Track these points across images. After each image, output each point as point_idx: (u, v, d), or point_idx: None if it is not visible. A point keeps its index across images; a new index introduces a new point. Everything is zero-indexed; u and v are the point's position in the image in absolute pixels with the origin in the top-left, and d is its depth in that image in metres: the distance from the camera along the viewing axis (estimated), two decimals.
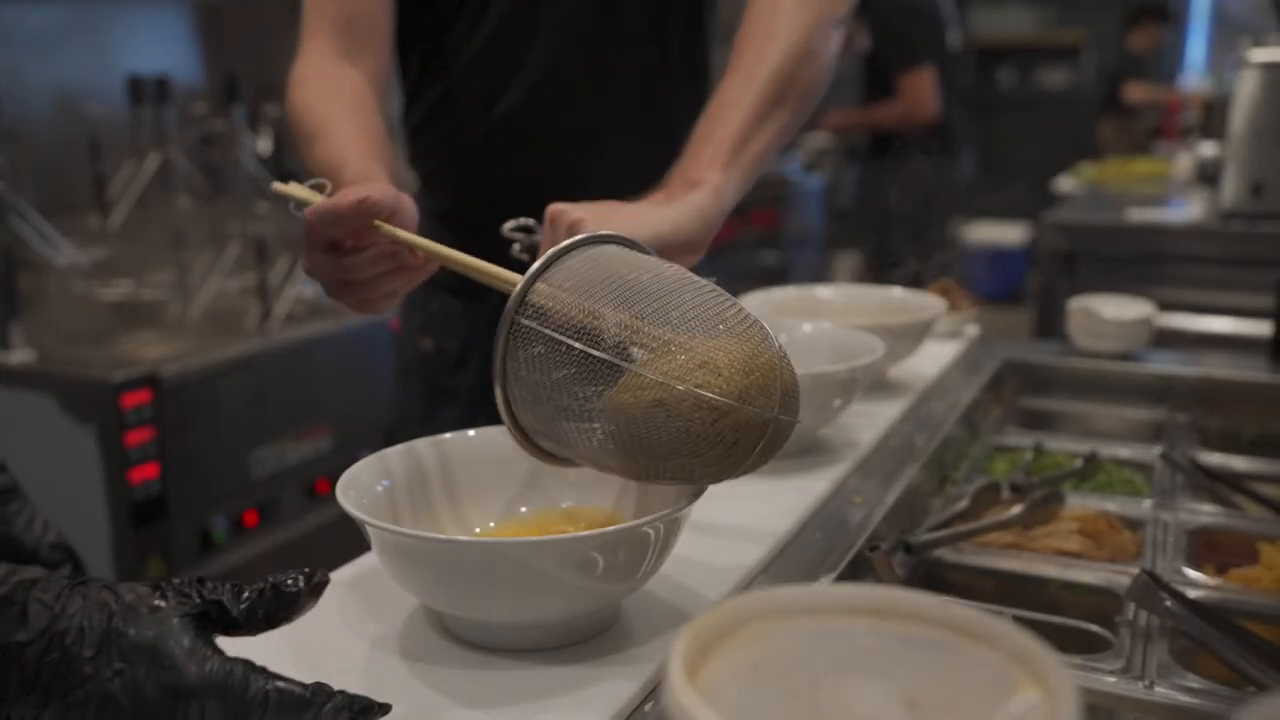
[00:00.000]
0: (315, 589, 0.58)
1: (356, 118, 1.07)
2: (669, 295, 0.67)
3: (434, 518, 0.79)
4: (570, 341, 0.66)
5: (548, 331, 0.67)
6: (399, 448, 0.80)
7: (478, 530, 0.80)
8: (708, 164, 0.91)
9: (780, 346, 0.69)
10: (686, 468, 0.65)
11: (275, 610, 0.57)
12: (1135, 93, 5.14)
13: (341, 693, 0.55)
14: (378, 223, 0.83)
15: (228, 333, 2.13)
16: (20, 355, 1.91)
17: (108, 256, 2.23)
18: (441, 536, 0.72)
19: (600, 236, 0.74)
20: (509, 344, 0.69)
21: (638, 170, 1.02)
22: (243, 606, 0.56)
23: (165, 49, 2.56)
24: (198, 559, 1.89)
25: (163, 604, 0.54)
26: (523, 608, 0.68)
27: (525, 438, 0.73)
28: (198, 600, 0.55)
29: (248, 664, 0.54)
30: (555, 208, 0.85)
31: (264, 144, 2.43)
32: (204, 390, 1.91)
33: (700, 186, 0.89)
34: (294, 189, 0.92)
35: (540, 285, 0.69)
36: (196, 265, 2.27)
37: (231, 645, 0.72)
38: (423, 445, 0.82)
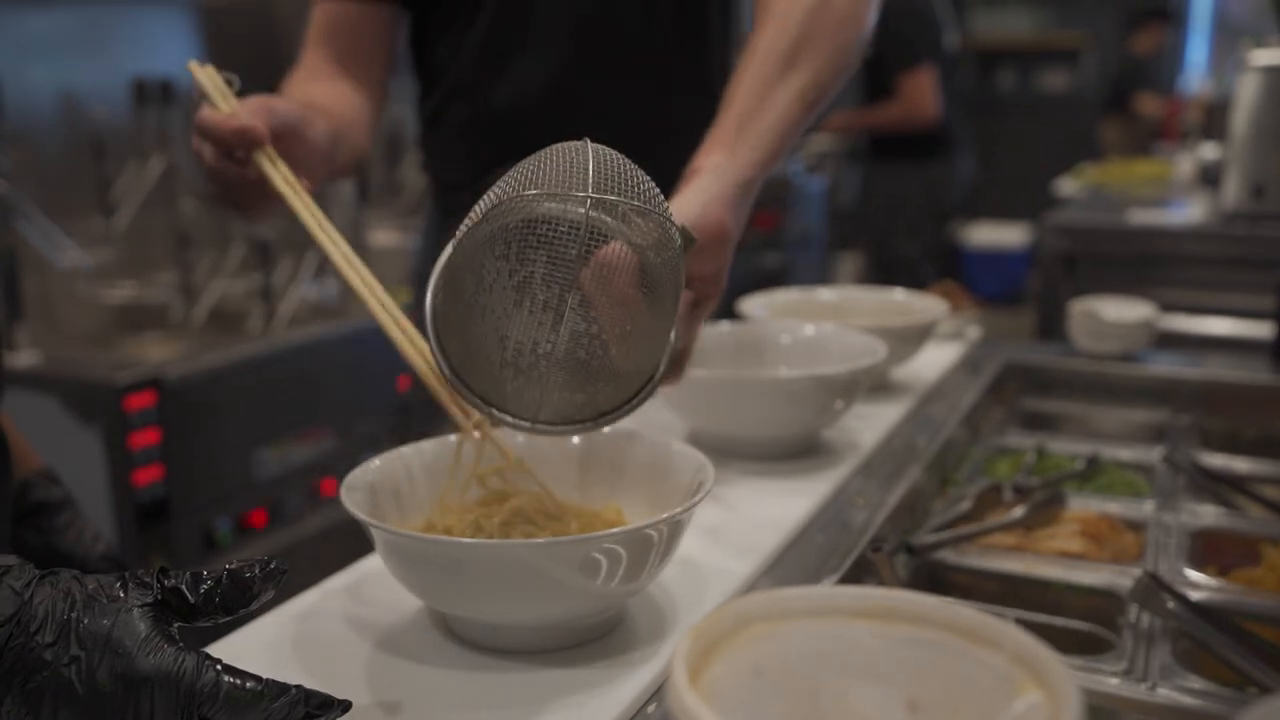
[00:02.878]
0: (270, 575, 0.58)
1: (326, 91, 1.11)
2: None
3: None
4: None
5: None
6: (402, 448, 0.80)
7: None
8: (709, 148, 0.91)
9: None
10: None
11: (232, 598, 0.57)
12: (1148, 105, 5.13)
13: (298, 688, 0.56)
14: (260, 158, 0.86)
15: (231, 335, 2.14)
16: (25, 357, 1.91)
17: (112, 258, 2.23)
18: (445, 538, 0.72)
19: None
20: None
21: (653, 165, 1.03)
22: (201, 594, 0.56)
23: (169, 51, 2.57)
24: (201, 560, 1.90)
25: (122, 594, 0.55)
26: (526, 609, 0.68)
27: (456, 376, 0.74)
28: (157, 589, 0.56)
29: (201, 655, 0.54)
30: None
31: None
32: (208, 392, 1.92)
33: (701, 172, 0.88)
34: (205, 76, 0.91)
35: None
36: (200, 267, 2.27)
37: (233, 644, 0.73)
38: (426, 445, 0.82)
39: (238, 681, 0.54)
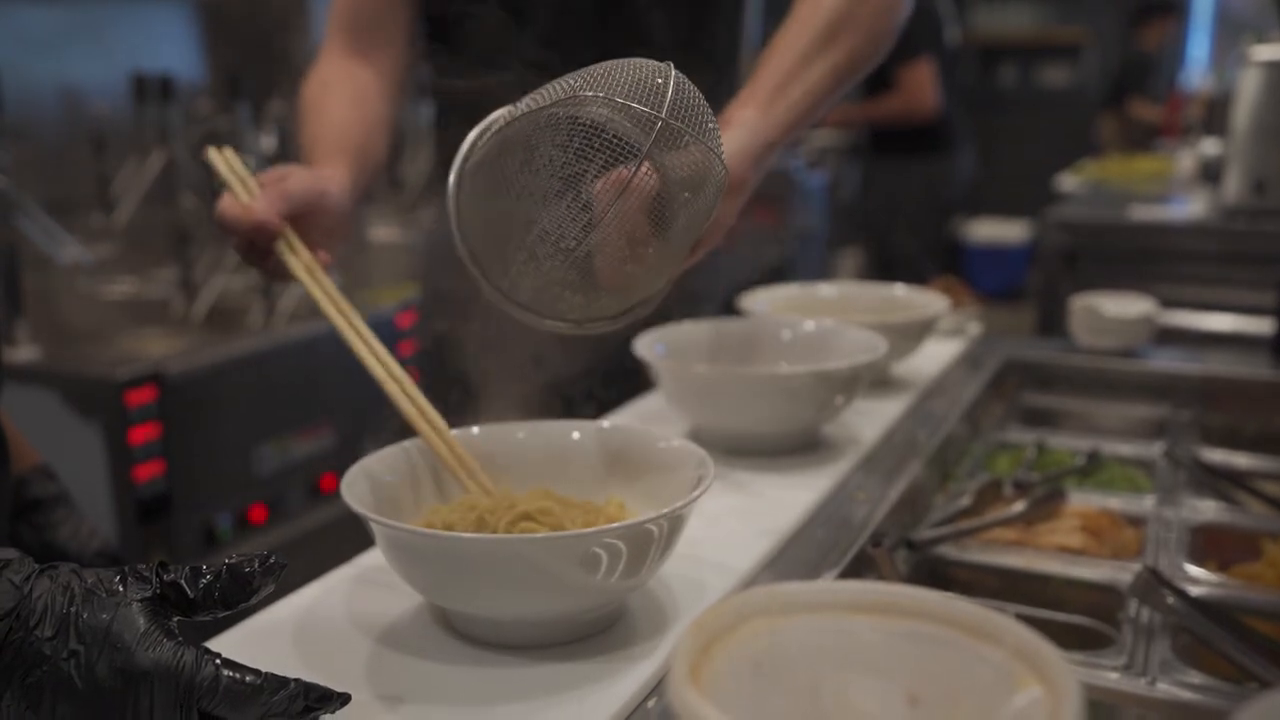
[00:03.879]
0: (270, 570, 0.58)
1: (346, 106, 1.11)
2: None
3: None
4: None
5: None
6: (403, 444, 0.81)
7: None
8: (744, 102, 0.94)
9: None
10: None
11: (231, 592, 0.57)
12: (1141, 110, 5.12)
13: (297, 681, 0.56)
14: (280, 246, 0.89)
15: (232, 330, 2.13)
16: (25, 352, 1.91)
17: (112, 254, 2.23)
18: (445, 533, 0.72)
19: None
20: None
21: None
22: (200, 588, 0.57)
23: (169, 47, 2.56)
24: (202, 556, 1.90)
25: (121, 588, 0.55)
26: (527, 604, 0.68)
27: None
28: (156, 584, 0.56)
29: (201, 650, 0.54)
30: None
31: (268, 142, 2.43)
32: (208, 387, 1.92)
33: (733, 125, 0.92)
34: (222, 163, 0.94)
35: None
36: (200, 263, 2.27)
37: (235, 638, 0.73)
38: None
39: (237, 675, 0.54)
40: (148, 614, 0.54)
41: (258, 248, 0.92)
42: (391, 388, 0.82)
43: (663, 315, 0.93)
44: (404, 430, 0.83)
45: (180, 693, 0.53)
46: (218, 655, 0.54)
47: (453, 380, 1.25)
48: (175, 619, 0.56)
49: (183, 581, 0.56)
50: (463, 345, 1.10)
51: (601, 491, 0.82)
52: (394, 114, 1.23)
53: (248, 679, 0.54)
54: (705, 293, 1.27)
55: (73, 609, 0.53)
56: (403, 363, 0.84)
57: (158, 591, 0.56)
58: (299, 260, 0.91)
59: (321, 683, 0.57)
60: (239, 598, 0.58)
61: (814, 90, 0.97)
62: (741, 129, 0.92)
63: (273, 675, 0.55)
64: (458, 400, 1.15)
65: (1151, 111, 5.00)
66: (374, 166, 1.13)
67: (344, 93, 1.14)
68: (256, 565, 0.58)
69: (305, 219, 0.93)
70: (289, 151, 2.43)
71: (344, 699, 0.58)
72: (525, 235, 0.73)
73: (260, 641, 0.73)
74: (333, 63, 1.18)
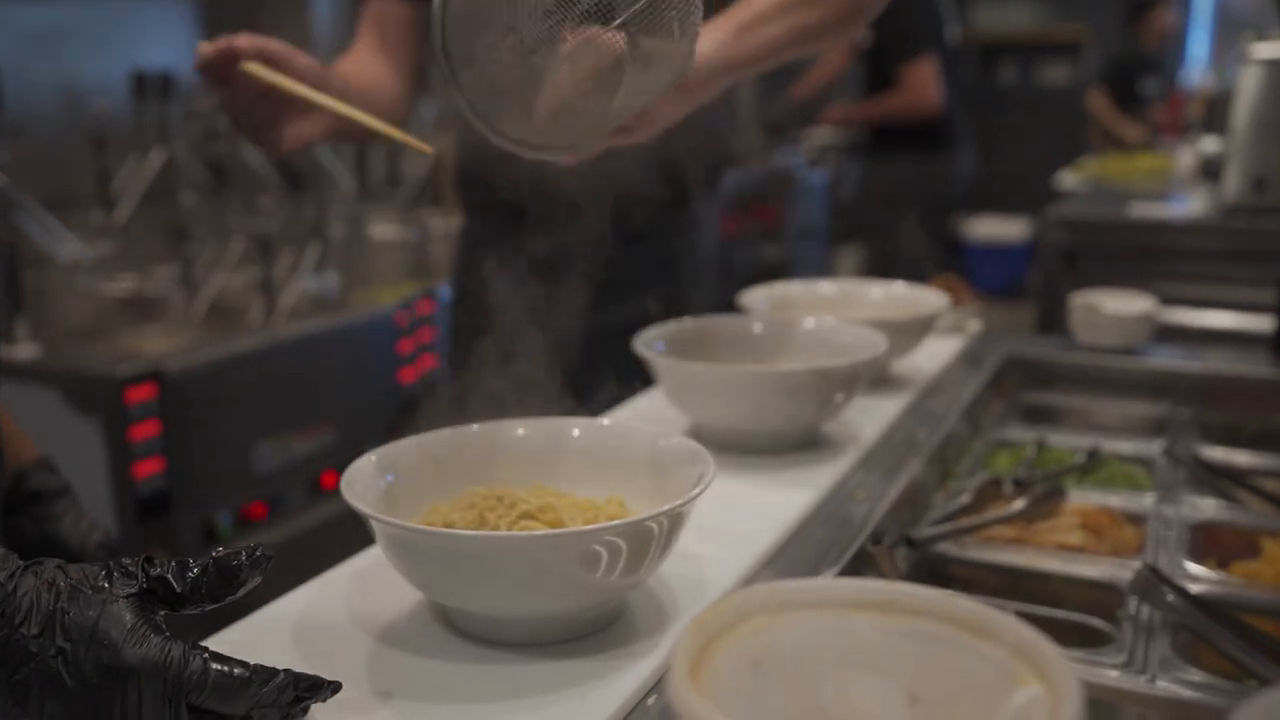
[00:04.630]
0: (257, 563, 0.58)
1: (357, 76, 1.24)
2: None
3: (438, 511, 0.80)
4: None
5: None
6: (403, 441, 0.81)
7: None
8: (718, 25, 1.00)
9: None
10: None
11: (218, 585, 0.57)
12: (1096, 102, 5.09)
13: (286, 671, 0.56)
14: (247, 65, 0.99)
15: (232, 327, 2.13)
16: (25, 350, 1.91)
17: (112, 251, 2.23)
18: (445, 530, 0.72)
19: None
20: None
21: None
22: (188, 582, 0.57)
23: (169, 44, 2.56)
24: (202, 553, 1.90)
25: (107, 584, 0.55)
26: (526, 602, 0.68)
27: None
28: (142, 579, 0.56)
29: (189, 644, 0.54)
30: None
31: None
32: (208, 385, 1.92)
33: (704, 36, 0.96)
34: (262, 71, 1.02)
35: None
36: (200, 260, 2.27)
37: (234, 636, 0.73)
38: (427, 439, 0.82)
39: (225, 669, 0.54)
40: (134, 610, 0.54)
41: (230, 78, 1.02)
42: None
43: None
44: (402, 429, 0.83)
45: (169, 687, 0.53)
46: (205, 649, 0.55)
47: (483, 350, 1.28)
48: (162, 613, 0.56)
49: (169, 576, 0.56)
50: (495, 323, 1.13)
51: (601, 489, 0.82)
52: (403, 97, 1.34)
53: (236, 671, 0.54)
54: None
55: (59, 605, 0.53)
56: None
57: (144, 586, 0.56)
58: (267, 71, 1.00)
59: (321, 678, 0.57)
60: (226, 591, 0.58)
61: (773, 41, 1.02)
62: (712, 43, 0.97)
63: (261, 667, 0.55)
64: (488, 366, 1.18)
65: (1105, 110, 4.96)
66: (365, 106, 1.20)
67: (358, 62, 1.28)
68: (243, 558, 0.58)
69: (271, 64, 1.02)
70: None
71: (335, 687, 0.58)
72: (501, 37, 0.81)
73: (260, 638, 0.73)
74: (356, 52, 1.31)
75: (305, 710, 0.59)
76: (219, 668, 0.54)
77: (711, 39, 0.98)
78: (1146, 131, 4.75)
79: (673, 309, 1.27)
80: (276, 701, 0.55)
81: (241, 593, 0.58)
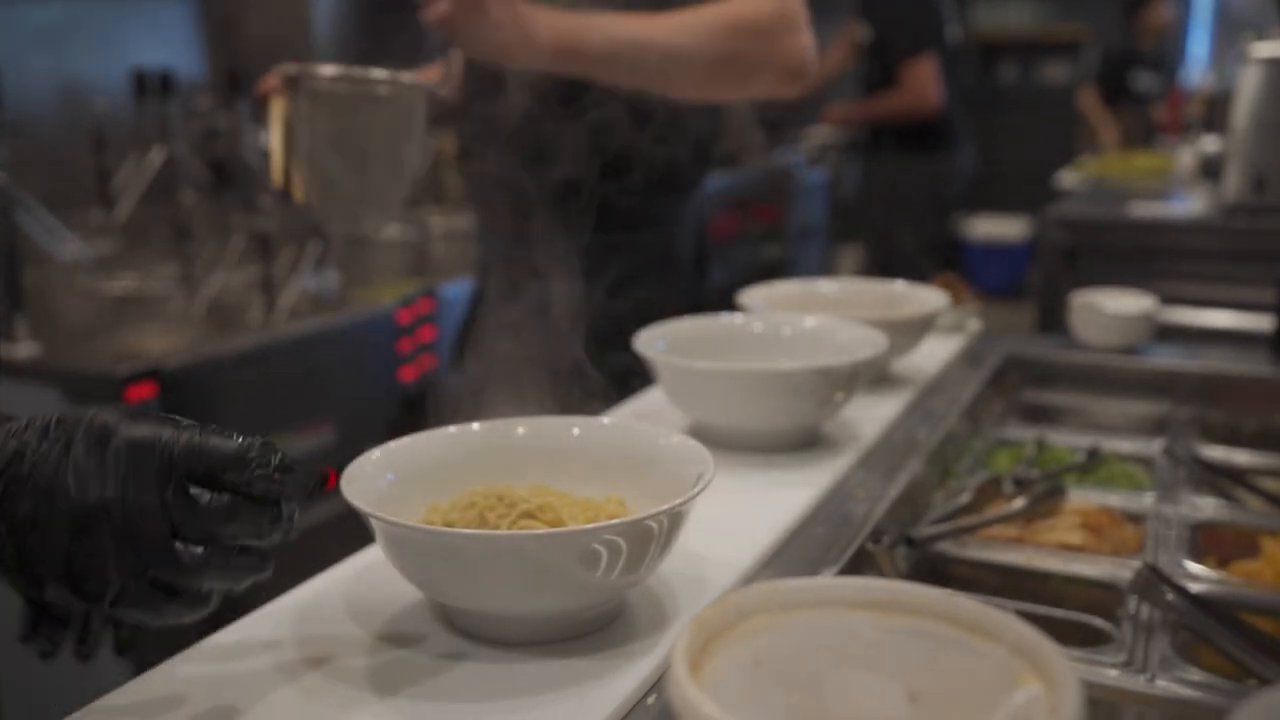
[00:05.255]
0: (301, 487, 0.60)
1: None
2: None
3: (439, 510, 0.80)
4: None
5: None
6: (404, 440, 0.81)
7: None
8: (579, 12, 1.09)
9: None
10: None
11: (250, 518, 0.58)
12: (1085, 100, 5.08)
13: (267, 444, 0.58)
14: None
15: (231, 326, 2.13)
16: (24, 348, 1.91)
17: (112, 250, 2.23)
18: (445, 529, 0.72)
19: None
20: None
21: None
22: (257, 474, 0.58)
23: (169, 43, 2.56)
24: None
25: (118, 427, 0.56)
26: (526, 600, 0.68)
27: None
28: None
29: (179, 421, 0.57)
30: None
31: (267, 138, 2.43)
32: (207, 384, 1.91)
33: (571, 13, 1.08)
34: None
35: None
36: (200, 259, 2.27)
37: (234, 635, 0.73)
38: (427, 437, 0.82)
39: (215, 440, 0.56)
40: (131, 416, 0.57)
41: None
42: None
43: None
44: (403, 428, 0.83)
45: (161, 462, 0.54)
46: (196, 424, 0.57)
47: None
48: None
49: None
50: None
51: (601, 488, 0.82)
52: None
53: (226, 440, 0.56)
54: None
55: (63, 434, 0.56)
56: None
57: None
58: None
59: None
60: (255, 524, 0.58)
61: (613, 59, 1.10)
62: (564, 16, 1.07)
63: (250, 437, 0.57)
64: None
65: (1095, 108, 4.94)
66: None
67: None
68: (281, 514, 0.59)
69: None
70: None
71: (324, 477, 0.61)
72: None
73: (260, 636, 0.73)
74: None
75: (291, 502, 0.59)
76: (207, 439, 0.56)
77: (571, 16, 1.06)
78: (1134, 131, 4.73)
79: (648, 305, 1.27)
80: (267, 463, 0.57)
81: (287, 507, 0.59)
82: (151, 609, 0.56)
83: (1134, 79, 5.00)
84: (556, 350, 1.00)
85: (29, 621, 0.57)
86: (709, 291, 1.53)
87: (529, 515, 0.75)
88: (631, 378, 1.20)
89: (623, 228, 1.33)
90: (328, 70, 1.04)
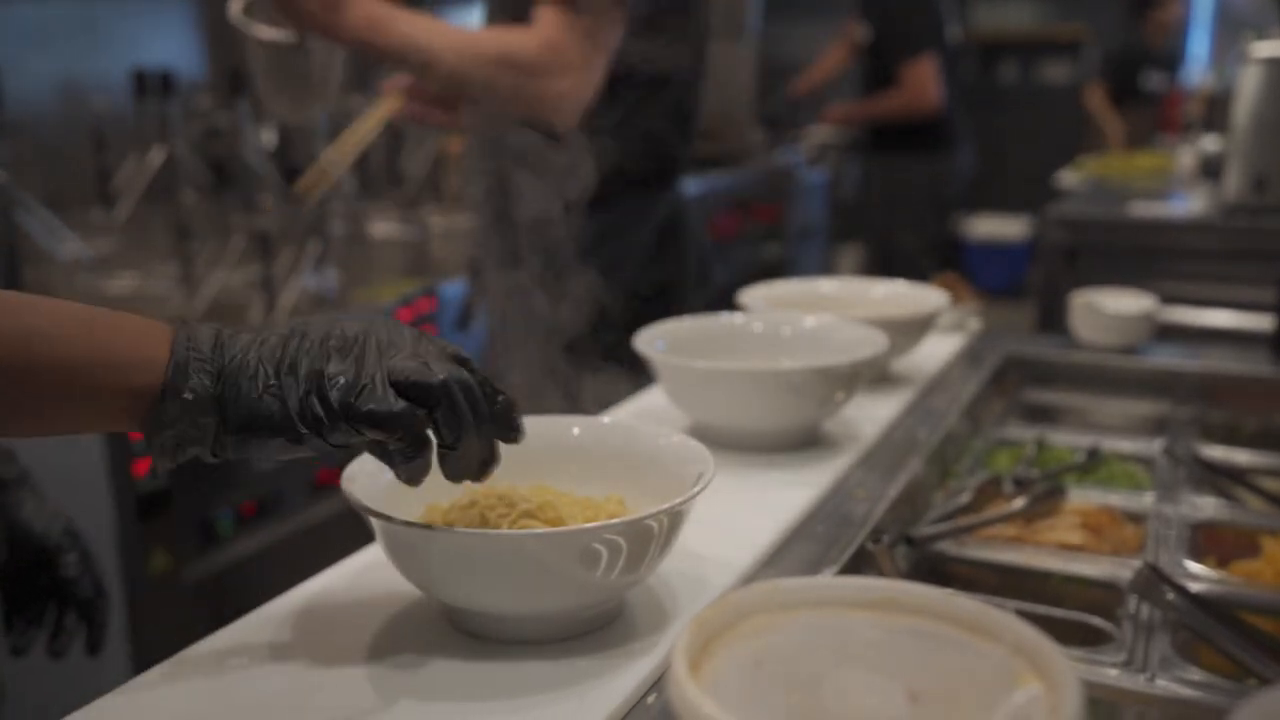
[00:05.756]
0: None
1: None
2: None
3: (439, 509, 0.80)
4: None
5: None
6: None
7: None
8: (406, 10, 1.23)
9: None
10: None
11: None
12: (1092, 98, 5.07)
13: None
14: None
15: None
16: None
17: (112, 250, 2.23)
18: (445, 528, 0.72)
19: None
20: None
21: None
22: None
23: (169, 42, 2.56)
24: (202, 551, 1.90)
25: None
26: (527, 600, 0.69)
27: None
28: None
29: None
30: None
31: (268, 137, 2.43)
32: None
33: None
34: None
35: None
36: (201, 258, 2.27)
37: (235, 632, 0.73)
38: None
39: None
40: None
41: None
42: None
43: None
44: None
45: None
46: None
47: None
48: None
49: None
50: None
51: (601, 488, 0.82)
52: None
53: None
54: None
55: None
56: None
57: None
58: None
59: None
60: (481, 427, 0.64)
61: (405, 40, 1.21)
62: (383, 9, 1.21)
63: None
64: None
65: (1115, 131, 4.93)
66: None
67: None
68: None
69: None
70: (289, 146, 2.43)
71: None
72: None
73: (261, 636, 0.73)
74: None
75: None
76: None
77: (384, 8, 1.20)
78: (1141, 130, 4.72)
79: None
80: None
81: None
82: (385, 404, 0.60)
83: (1144, 78, 4.99)
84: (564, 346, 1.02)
85: (3, 619, 0.57)
86: (686, 280, 1.55)
87: (529, 515, 0.75)
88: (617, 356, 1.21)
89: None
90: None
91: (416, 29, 1.22)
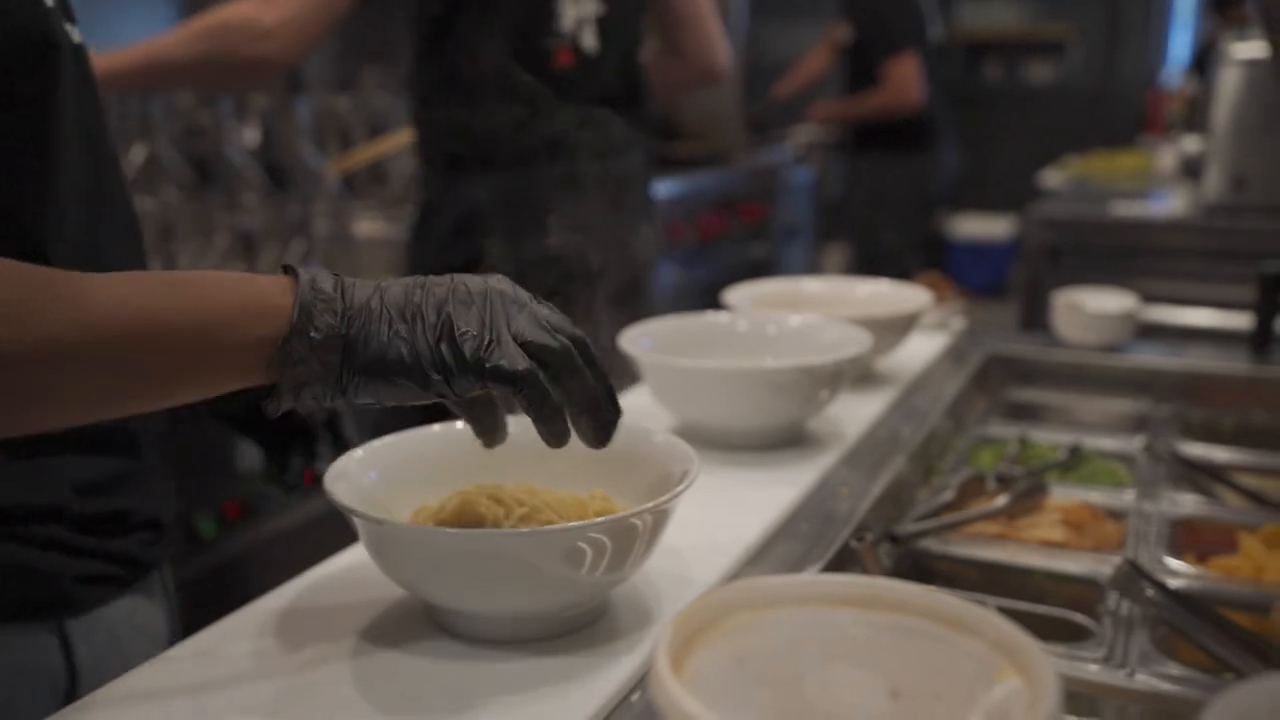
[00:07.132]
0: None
1: None
2: None
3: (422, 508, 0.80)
4: None
5: None
6: (387, 438, 0.80)
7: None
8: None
9: None
10: None
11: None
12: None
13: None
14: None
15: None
16: None
17: None
18: (427, 528, 0.72)
19: None
20: None
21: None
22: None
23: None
24: (186, 552, 1.89)
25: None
26: (510, 599, 0.69)
27: None
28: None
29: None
30: None
31: (251, 135, 2.42)
32: None
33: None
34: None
35: None
36: (183, 257, 2.25)
37: (218, 633, 0.73)
38: (411, 435, 0.82)
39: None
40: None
41: None
42: None
43: None
44: (387, 426, 0.83)
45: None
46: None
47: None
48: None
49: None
50: None
51: (586, 486, 0.83)
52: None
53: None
54: None
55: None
56: None
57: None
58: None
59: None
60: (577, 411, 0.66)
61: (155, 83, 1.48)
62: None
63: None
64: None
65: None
66: None
67: None
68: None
69: None
70: (272, 144, 2.42)
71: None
72: None
73: (245, 635, 0.73)
74: None
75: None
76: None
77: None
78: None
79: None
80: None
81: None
82: (515, 361, 0.61)
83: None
84: None
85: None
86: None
87: (526, 520, 0.75)
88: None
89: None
90: None
91: (137, 47, 1.40)
